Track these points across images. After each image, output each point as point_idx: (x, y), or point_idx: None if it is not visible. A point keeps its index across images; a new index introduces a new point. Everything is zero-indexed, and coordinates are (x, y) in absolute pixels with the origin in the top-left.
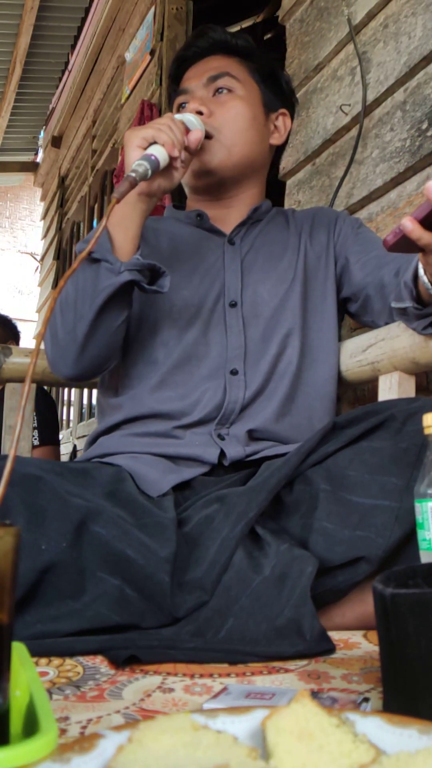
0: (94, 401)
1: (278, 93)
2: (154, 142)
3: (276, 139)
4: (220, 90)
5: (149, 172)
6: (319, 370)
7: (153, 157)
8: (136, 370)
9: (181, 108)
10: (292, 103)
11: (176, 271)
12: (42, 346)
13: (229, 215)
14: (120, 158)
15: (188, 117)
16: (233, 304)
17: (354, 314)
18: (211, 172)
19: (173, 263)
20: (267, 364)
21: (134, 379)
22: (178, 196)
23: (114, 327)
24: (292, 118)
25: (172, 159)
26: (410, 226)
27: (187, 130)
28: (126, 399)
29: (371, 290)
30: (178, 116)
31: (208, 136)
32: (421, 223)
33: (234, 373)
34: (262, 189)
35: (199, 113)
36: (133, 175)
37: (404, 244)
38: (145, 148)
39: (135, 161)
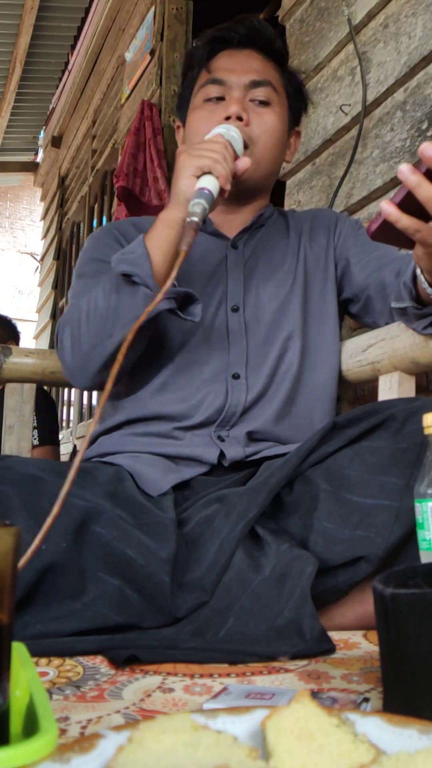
0: (94, 401)
1: (300, 110)
2: (208, 172)
3: (288, 157)
4: (259, 99)
5: (207, 210)
6: (320, 371)
7: (207, 191)
8: (138, 373)
9: (214, 100)
10: (301, 118)
11: (180, 276)
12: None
13: (233, 220)
14: (120, 158)
15: (234, 136)
16: (235, 309)
17: (355, 315)
18: (235, 183)
19: None
20: (268, 367)
21: (136, 382)
22: None
23: (139, 347)
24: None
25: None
26: (388, 208)
27: (235, 156)
28: (127, 401)
29: (372, 291)
30: (224, 132)
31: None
32: (400, 208)
33: (236, 377)
34: (268, 196)
35: (239, 119)
36: (195, 219)
37: (387, 232)
38: (198, 176)
39: (191, 200)
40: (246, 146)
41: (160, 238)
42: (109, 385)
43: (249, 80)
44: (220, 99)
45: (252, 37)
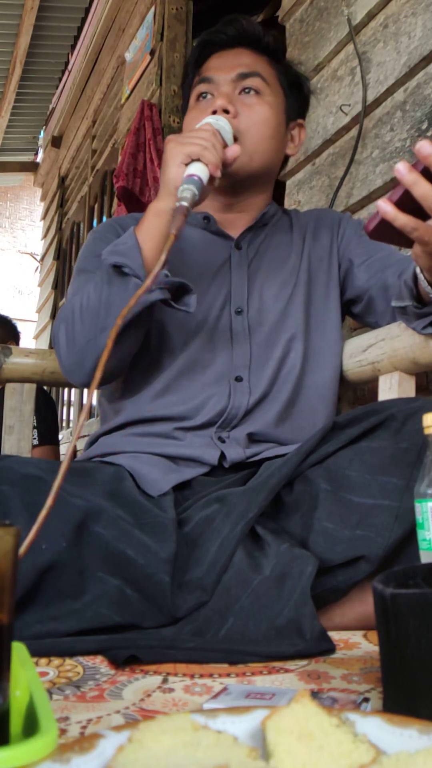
0: (94, 402)
1: (300, 101)
2: (197, 159)
3: (291, 150)
4: (247, 90)
5: (196, 195)
6: (323, 372)
7: (196, 178)
8: (140, 376)
9: (201, 98)
10: (306, 110)
11: (183, 276)
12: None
13: (237, 219)
14: (120, 158)
15: (223, 125)
16: (239, 311)
17: (357, 315)
18: (228, 174)
19: (180, 267)
20: (271, 369)
21: (138, 384)
22: None
23: (134, 341)
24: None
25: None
26: (385, 207)
27: (225, 144)
28: (128, 403)
29: (375, 292)
30: (213, 122)
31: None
32: (397, 206)
33: (239, 380)
34: (270, 194)
35: (225, 111)
36: (185, 204)
37: (385, 230)
38: (187, 164)
39: (180, 185)
40: (236, 138)
41: (151, 228)
42: (98, 373)
43: (236, 73)
44: (212, 96)
45: (240, 36)
